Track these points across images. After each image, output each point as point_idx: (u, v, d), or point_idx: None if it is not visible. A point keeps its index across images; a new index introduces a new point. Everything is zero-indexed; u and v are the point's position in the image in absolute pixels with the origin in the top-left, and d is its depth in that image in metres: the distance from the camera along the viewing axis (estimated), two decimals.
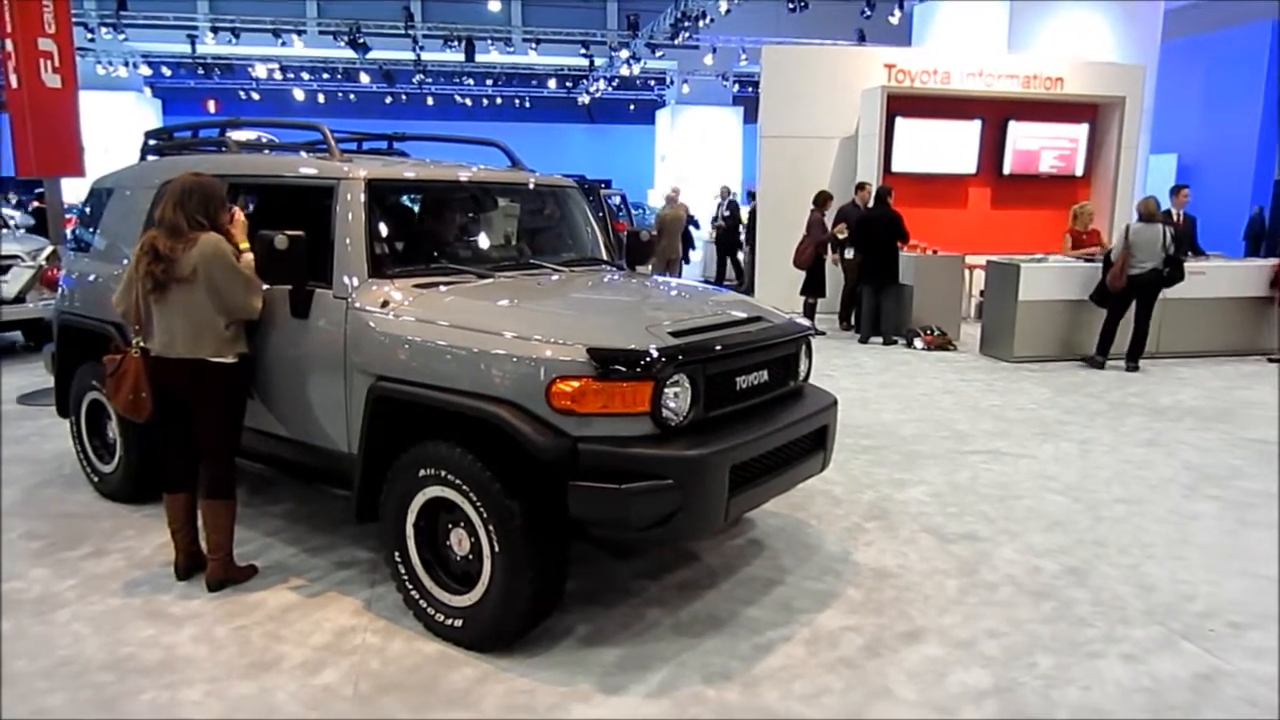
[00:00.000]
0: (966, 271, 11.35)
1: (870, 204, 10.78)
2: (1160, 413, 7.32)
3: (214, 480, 3.80)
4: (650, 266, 6.18)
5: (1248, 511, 5.04)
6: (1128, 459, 6.01)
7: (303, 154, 4.63)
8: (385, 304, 3.60)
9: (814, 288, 11.04)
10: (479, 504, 3.19)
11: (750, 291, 12.52)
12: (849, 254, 10.79)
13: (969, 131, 12.82)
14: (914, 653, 3.44)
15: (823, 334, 10.74)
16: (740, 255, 15.85)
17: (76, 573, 4.01)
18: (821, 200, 11.10)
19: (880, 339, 10.56)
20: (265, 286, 3.77)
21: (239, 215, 3.92)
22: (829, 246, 10.95)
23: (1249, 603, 3.91)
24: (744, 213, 15.73)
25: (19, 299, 8.46)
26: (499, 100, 31.81)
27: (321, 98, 30.06)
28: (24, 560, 4.13)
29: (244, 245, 3.79)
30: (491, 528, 3.17)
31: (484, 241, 4.66)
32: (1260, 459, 6.04)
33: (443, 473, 3.28)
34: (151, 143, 5.21)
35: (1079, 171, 13.35)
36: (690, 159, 26.96)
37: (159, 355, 3.64)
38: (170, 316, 3.60)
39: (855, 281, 11.02)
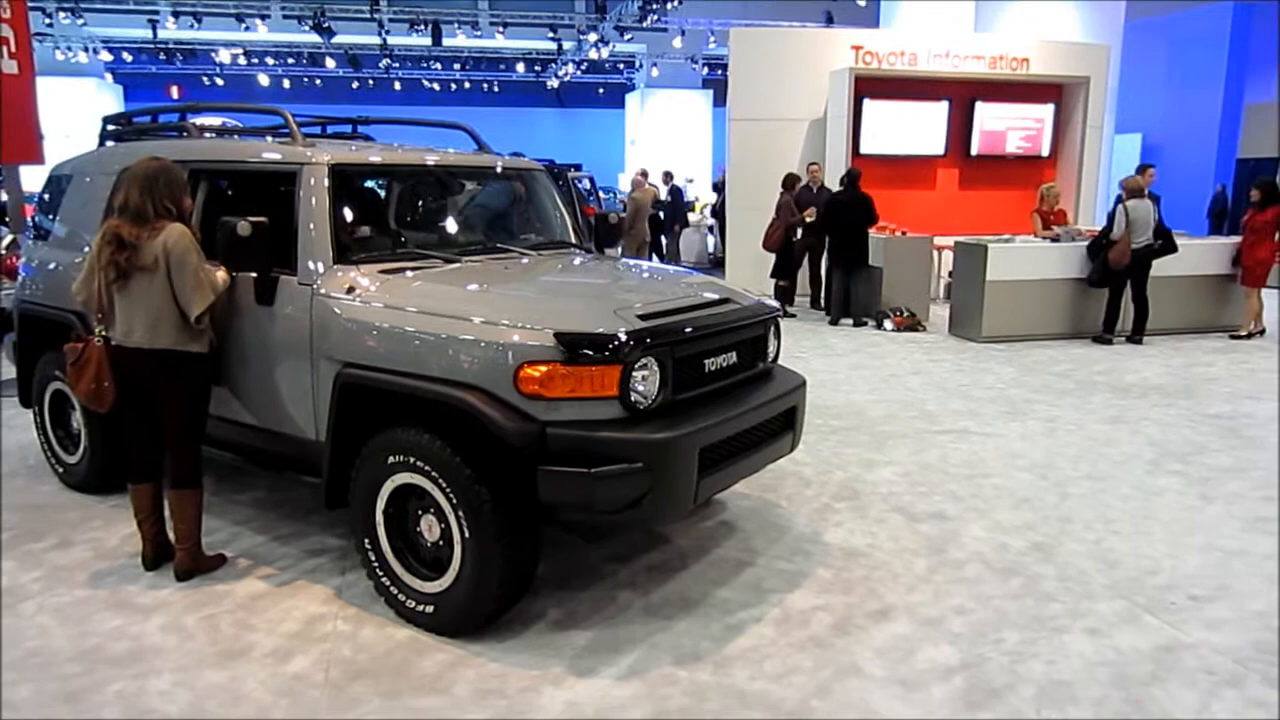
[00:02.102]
0: (935, 252, 11.43)
1: (822, 184, 10.95)
2: (1125, 390, 7.43)
3: (180, 469, 3.76)
4: (620, 249, 6.17)
5: (1208, 486, 5.13)
6: (1093, 436, 6.10)
7: (268, 139, 4.57)
8: (351, 290, 3.57)
9: (784, 270, 11.08)
10: (448, 490, 3.18)
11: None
12: (798, 234, 10.94)
13: (936, 113, 12.87)
14: (883, 631, 3.48)
15: (793, 316, 10.80)
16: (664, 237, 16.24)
17: (42, 564, 3.96)
18: (790, 183, 11.13)
19: (850, 320, 10.63)
20: (232, 275, 3.74)
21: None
22: (798, 230, 10.99)
23: (1208, 576, 3.99)
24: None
25: None
26: (467, 85, 31.50)
27: (287, 83, 29.58)
28: None
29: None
30: (461, 513, 3.17)
31: (451, 226, 4.63)
32: (1221, 434, 6.15)
33: (411, 459, 3.26)
34: (110, 128, 5.12)
35: (1045, 152, 13.44)
36: (660, 142, 26.86)
37: (119, 344, 3.59)
38: (131, 305, 3.55)
39: (812, 260, 11.38)
